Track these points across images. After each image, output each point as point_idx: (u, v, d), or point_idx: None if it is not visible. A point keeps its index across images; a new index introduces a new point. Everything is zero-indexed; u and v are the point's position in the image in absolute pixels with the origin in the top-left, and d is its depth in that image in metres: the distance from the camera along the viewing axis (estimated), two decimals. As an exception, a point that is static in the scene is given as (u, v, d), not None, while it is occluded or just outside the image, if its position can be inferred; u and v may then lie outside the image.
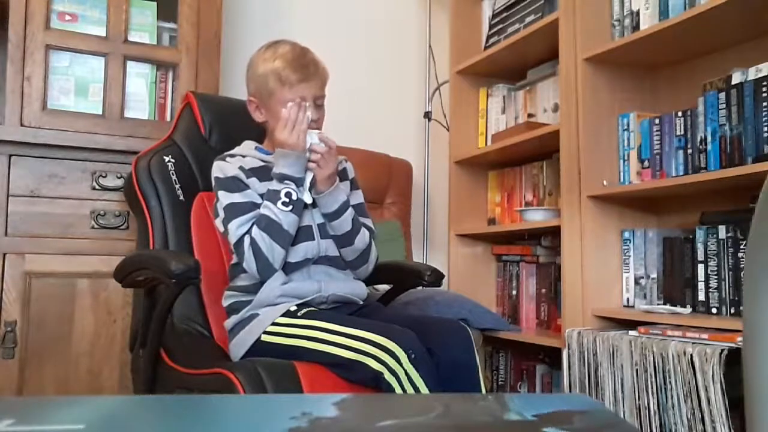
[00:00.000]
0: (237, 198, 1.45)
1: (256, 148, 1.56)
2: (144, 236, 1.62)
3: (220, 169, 1.49)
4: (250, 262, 1.42)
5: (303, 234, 1.47)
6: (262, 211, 1.43)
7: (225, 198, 1.46)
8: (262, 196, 1.46)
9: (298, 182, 1.45)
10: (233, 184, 1.46)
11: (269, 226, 1.41)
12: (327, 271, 1.51)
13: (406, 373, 1.22)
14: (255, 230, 1.41)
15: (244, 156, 1.52)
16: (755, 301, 0.55)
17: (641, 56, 1.90)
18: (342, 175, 1.58)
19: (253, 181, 1.47)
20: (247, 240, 1.42)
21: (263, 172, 1.49)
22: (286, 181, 1.43)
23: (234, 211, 1.44)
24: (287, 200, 1.42)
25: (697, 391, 1.42)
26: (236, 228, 1.43)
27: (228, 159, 1.50)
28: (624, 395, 1.62)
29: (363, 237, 1.54)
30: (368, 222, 1.60)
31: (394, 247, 2.30)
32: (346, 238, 1.51)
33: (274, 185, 1.44)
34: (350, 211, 1.52)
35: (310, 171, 1.47)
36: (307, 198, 1.48)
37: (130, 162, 1.66)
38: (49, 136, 1.87)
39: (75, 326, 1.87)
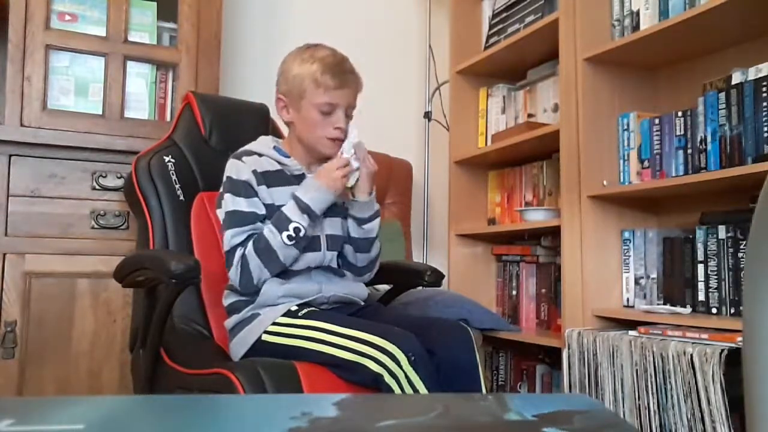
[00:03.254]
0: (241, 205, 1.43)
1: (274, 147, 1.53)
2: (144, 236, 1.62)
3: (236, 169, 1.46)
4: (235, 275, 1.42)
5: (310, 244, 1.46)
6: (264, 232, 1.41)
7: (230, 203, 1.44)
8: (267, 206, 1.45)
9: (316, 218, 1.44)
10: (242, 189, 1.44)
11: (265, 251, 1.39)
12: (327, 275, 1.52)
13: (406, 376, 1.22)
14: (250, 248, 1.40)
15: (260, 155, 1.49)
16: (755, 301, 0.55)
17: (641, 56, 1.90)
18: None
19: (262, 189, 1.45)
20: (238, 252, 1.41)
21: (276, 177, 1.48)
22: (304, 215, 1.41)
23: (235, 219, 1.43)
24: (293, 234, 1.40)
25: (697, 391, 1.42)
26: (231, 237, 1.42)
27: (244, 159, 1.47)
28: (624, 395, 1.62)
29: (377, 246, 1.56)
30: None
31: (394, 247, 2.30)
32: (367, 245, 1.52)
33: (289, 209, 1.41)
34: (378, 221, 1.53)
35: (355, 173, 1.46)
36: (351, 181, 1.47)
37: (130, 162, 1.66)
38: (49, 136, 1.87)
39: (75, 326, 1.87)
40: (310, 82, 1.45)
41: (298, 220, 1.40)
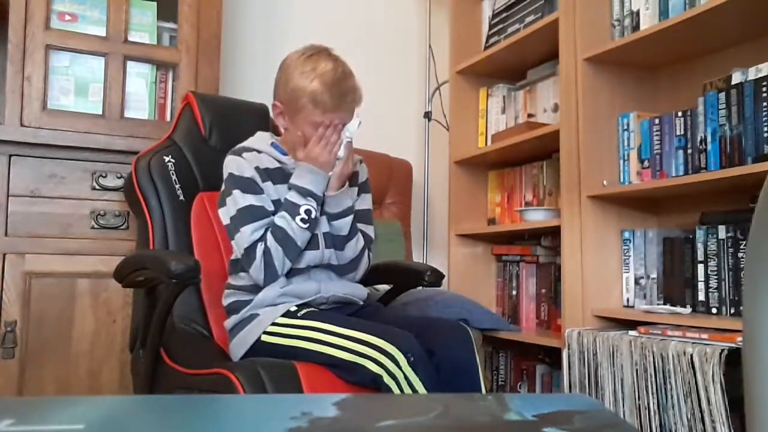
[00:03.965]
0: (252, 200, 1.43)
1: (272, 144, 1.53)
2: (144, 236, 1.62)
3: (237, 165, 1.45)
4: (258, 270, 1.41)
5: (309, 243, 1.46)
6: (278, 222, 1.41)
7: (241, 199, 1.43)
8: (273, 202, 1.45)
9: (319, 200, 1.45)
10: (249, 186, 1.44)
11: (284, 239, 1.40)
12: (326, 274, 1.51)
13: (405, 376, 1.22)
14: (270, 240, 1.40)
15: (259, 152, 1.49)
16: (755, 301, 0.55)
17: (641, 56, 1.90)
18: (354, 176, 1.56)
19: (267, 185, 1.45)
20: (260, 248, 1.40)
21: (278, 175, 1.48)
22: (309, 198, 1.43)
23: (250, 214, 1.42)
24: (306, 217, 1.42)
25: (697, 391, 1.42)
26: (251, 233, 1.41)
27: (244, 155, 1.47)
28: (624, 395, 1.62)
29: (355, 246, 1.52)
30: (369, 230, 1.58)
31: (394, 247, 2.30)
32: (339, 242, 1.50)
33: (293, 197, 1.43)
34: (350, 218, 1.50)
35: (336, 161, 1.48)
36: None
37: (130, 162, 1.66)
38: (49, 136, 1.87)
39: (75, 326, 1.87)
40: (309, 101, 1.43)
41: (306, 203, 1.42)
